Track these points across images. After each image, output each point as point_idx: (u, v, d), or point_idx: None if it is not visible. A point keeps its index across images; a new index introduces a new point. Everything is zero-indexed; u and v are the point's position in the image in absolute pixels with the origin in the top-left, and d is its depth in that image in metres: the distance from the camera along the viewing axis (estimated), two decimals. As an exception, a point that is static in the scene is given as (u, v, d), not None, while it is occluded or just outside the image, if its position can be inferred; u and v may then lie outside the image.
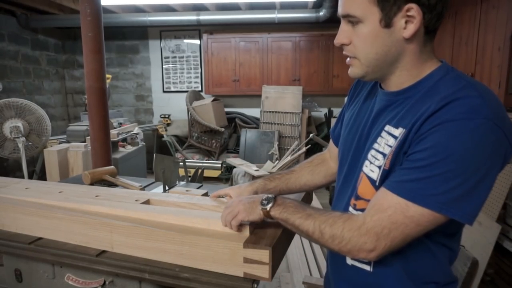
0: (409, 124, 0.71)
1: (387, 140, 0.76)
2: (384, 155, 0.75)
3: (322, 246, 0.79)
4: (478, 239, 2.22)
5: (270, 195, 0.86)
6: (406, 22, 0.70)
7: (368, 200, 0.78)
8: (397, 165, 0.73)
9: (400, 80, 0.78)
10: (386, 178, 0.74)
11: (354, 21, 0.74)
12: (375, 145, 0.79)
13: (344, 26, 0.77)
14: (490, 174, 0.66)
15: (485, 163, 0.65)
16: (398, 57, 0.75)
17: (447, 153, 0.64)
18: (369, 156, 0.80)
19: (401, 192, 0.69)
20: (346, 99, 1.03)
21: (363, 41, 0.74)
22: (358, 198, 0.82)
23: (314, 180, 1.11)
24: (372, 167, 0.78)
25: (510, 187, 2.19)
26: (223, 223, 0.91)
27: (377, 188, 0.76)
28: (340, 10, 0.76)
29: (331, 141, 1.10)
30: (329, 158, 1.12)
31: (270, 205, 0.84)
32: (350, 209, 0.85)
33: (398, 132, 0.73)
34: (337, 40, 0.79)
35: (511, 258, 2.30)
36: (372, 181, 0.78)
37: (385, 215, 0.69)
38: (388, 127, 0.77)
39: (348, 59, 0.80)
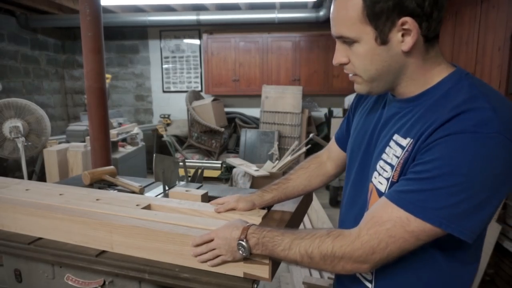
0: (417, 134, 0.68)
1: (395, 150, 0.73)
2: (392, 166, 0.73)
3: (315, 270, 0.75)
4: (478, 239, 2.21)
5: (242, 240, 0.79)
6: (403, 35, 0.68)
7: None
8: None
9: (408, 89, 0.75)
10: None
11: (349, 41, 0.73)
12: (384, 156, 0.76)
13: (340, 46, 0.76)
14: (499, 192, 0.63)
15: (494, 180, 0.61)
16: (401, 69, 0.72)
17: (452, 167, 0.61)
18: (377, 167, 0.77)
19: (402, 203, 0.66)
20: (351, 102, 1.01)
21: (361, 60, 0.73)
22: None
23: (312, 185, 1.11)
24: (381, 179, 0.75)
25: (510, 187, 2.19)
26: (197, 256, 0.86)
27: None
28: (334, 31, 0.74)
29: (332, 141, 1.09)
30: (327, 159, 1.11)
31: (247, 251, 0.79)
32: None
33: (406, 142, 0.71)
34: (336, 60, 0.77)
35: (511, 258, 2.30)
36: (380, 193, 0.75)
37: (383, 229, 0.67)
38: (396, 137, 0.74)
39: (351, 75, 0.78)
